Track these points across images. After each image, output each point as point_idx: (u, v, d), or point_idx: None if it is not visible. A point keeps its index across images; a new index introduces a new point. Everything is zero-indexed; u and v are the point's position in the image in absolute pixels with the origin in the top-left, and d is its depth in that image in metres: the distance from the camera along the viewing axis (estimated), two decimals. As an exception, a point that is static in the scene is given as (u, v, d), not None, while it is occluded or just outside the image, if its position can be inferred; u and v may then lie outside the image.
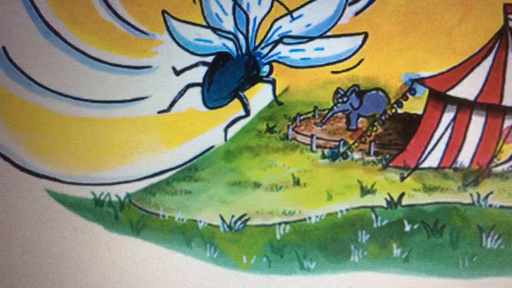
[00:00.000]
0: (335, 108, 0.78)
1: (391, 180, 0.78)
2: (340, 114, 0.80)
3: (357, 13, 0.75)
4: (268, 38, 0.76)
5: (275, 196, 0.78)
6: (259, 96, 0.77)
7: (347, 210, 0.78)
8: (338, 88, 0.77)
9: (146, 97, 0.76)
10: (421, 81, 0.76)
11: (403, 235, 0.77)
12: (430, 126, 0.78)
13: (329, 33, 0.76)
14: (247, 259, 0.78)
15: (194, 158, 0.78)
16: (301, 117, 0.79)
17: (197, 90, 0.76)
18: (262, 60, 0.77)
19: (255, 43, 0.77)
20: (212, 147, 0.78)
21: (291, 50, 0.76)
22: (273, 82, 0.77)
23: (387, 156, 0.78)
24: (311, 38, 0.76)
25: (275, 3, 0.75)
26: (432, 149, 0.77)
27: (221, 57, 0.76)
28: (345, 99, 0.77)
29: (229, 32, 0.76)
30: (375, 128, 0.79)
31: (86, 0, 0.74)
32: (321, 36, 0.76)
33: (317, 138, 0.79)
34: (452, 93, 0.75)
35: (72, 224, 0.78)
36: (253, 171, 0.78)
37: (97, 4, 0.75)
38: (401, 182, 0.78)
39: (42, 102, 0.76)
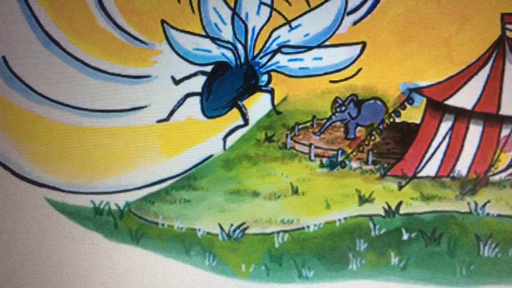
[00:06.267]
0: (333, 117, 0.78)
1: (389, 189, 0.78)
2: (338, 123, 0.80)
3: (355, 23, 0.75)
4: (266, 48, 0.77)
5: (274, 205, 0.78)
6: (258, 106, 0.78)
7: (345, 218, 0.78)
8: (336, 97, 0.77)
9: (145, 106, 0.77)
10: (419, 90, 0.76)
11: (401, 244, 0.78)
12: (428, 135, 0.78)
13: (327, 43, 0.76)
14: (245, 267, 0.79)
15: (193, 167, 0.78)
16: (300, 126, 0.79)
17: (196, 100, 0.77)
18: (261, 69, 0.77)
19: (253, 52, 0.77)
20: (211, 156, 0.78)
21: (290, 60, 0.77)
22: (271, 92, 0.77)
23: (385, 165, 0.78)
24: (309, 48, 0.76)
25: (274, 13, 0.75)
26: (429, 158, 0.78)
27: (220, 67, 0.77)
28: (343, 108, 0.78)
29: (228, 42, 0.76)
30: (373, 137, 0.79)
31: (85, 10, 0.75)
32: (320, 46, 0.76)
33: (316, 147, 0.79)
34: (449, 102, 0.76)
35: (72, 233, 0.79)
36: (251, 180, 0.78)
37: (97, 14, 0.75)
38: (399, 191, 0.78)
39: (41, 111, 0.76)
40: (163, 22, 0.75)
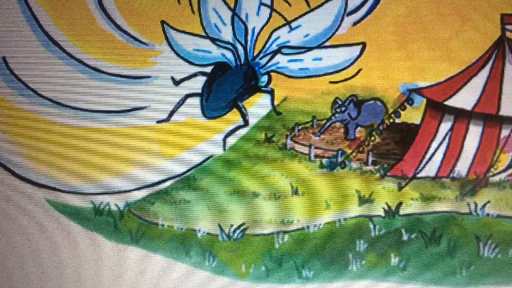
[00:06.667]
0: (333, 118, 0.78)
1: (389, 189, 0.78)
2: (338, 124, 0.80)
3: (355, 24, 0.75)
4: (266, 48, 0.77)
5: (274, 205, 0.78)
6: (258, 106, 0.78)
7: (345, 219, 0.78)
8: (336, 98, 0.77)
9: (145, 107, 0.77)
10: (418, 91, 0.76)
11: (400, 244, 0.78)
12: (428, 136, 0.78)
13: (327, 43, 0.76)
14: (245, 268, 0.79)
15: (193, 167, 0.78)
16: (299, 127, 0.79)
17: (196, 100, 0.77)
18: (261, 70, 0.78)
19: (253, 53, 0.77)
20: (210, 156, 0.78)
21: (290, 60, 0.77)
22: (271, 92, 0.77)
23: (385, 165, 0.78)
24: (309, 48, 0.76)
25: (274, 14, 0.75)
26: (429, 159, 0.78)
27: (220, 67, 0.77)
28: (343, 109, 0.78)
29: (227, 42, 0.76)
30: (373, 138, 0.79)
31: (85, 11, 0.75)
32: (319, 46, 0.76)
33: (315, 147, 0.79)
34: (449, 103, 0.76)
35: (72, 233, 0.79)
36: (251, 181, 0.78)
37: (97, 15, 0.75)
38: (398, 191, 0.78)
39: (41, 111, 0.76)
40: (163, 22, 0.75)
